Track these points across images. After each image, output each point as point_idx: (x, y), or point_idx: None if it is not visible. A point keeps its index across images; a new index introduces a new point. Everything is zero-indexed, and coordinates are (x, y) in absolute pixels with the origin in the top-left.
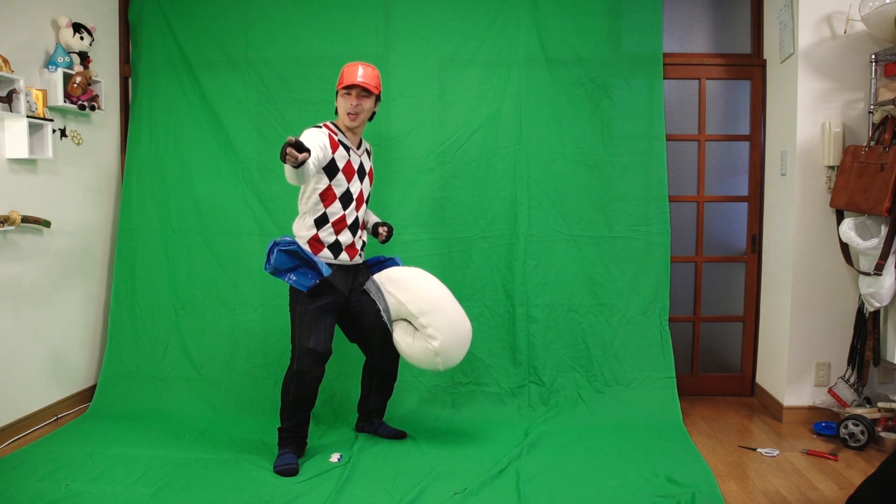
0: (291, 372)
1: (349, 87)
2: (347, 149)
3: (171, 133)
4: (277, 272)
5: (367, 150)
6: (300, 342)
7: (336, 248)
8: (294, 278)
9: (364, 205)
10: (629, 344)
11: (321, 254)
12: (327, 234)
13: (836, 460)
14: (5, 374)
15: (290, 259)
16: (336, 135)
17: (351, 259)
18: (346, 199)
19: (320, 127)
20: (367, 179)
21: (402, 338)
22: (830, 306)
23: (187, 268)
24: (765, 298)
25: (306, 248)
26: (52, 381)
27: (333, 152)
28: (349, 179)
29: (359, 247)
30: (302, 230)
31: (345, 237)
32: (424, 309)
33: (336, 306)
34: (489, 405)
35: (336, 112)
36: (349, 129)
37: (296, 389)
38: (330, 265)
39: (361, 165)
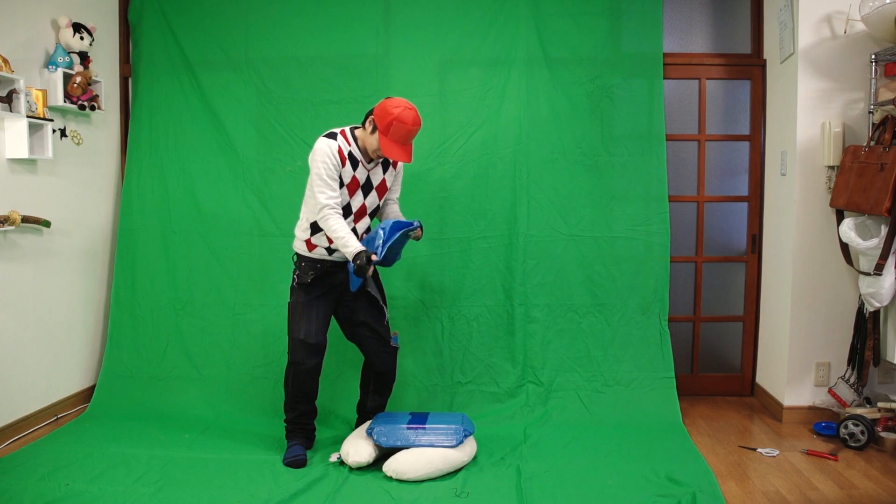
0: (288, 364)
1: (402, 140)
2: (356, 163)
3: (171, 133)
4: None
5: (380, 162)
6: (292, 334)
7: (330, 249)
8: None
9: (365, 217)
10: (628, 344)
11: (315, 251)
12: (319, 238)
13: (836, 460)
14: (5, 374)
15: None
16: (349, 145)
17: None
18: (345, 211)
19: (334, 136)
20: (373, 193)
21: None
22: (830, 306)
23: (187, 268)
24: (765, 298)
25: (304, 250)
26: (51, 381)
27: (341, 167)
28: (351, 194)
29: None
30: (299, 232)
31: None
32: None
33: (330, 298)
34: (488, 405)
35: (363, 125)
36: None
37: (293, 381)
38: (324, 261)
39: (368, 180)
